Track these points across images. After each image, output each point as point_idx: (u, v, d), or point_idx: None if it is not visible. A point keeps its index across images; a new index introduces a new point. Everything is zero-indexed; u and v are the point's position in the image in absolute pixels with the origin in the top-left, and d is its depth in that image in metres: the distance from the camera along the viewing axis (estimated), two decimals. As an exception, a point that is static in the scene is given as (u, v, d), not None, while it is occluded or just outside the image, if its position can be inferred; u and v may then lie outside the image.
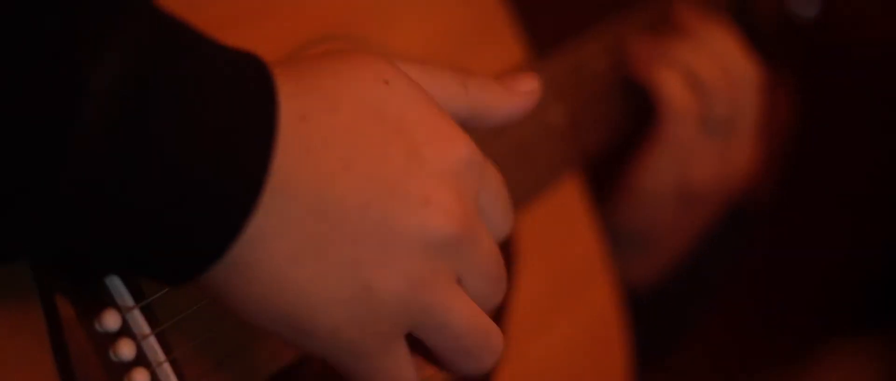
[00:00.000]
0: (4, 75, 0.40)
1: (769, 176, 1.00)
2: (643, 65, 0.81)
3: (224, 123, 0.43)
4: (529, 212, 0.73)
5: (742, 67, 0.82)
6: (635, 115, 0.82)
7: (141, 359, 0.48)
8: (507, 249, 0.72)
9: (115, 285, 0.48)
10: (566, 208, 0.78)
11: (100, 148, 0.41)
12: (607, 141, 0.79)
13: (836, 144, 2.06)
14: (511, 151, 0.70)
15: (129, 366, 0.48)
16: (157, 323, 0.49)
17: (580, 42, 0.78)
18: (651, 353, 0.88)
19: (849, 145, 2.07)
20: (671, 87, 0.80)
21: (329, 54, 0.49)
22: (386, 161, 0.47)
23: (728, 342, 1.98)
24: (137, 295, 0.48)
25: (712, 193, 0.83)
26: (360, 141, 0.46)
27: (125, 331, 0.48)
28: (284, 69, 0.46)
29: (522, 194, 0.71)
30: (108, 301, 0.48)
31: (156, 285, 0.49)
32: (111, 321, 0.47)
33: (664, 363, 0.98)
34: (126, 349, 0.47)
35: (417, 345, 0.50)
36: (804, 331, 2.13)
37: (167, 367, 0.49)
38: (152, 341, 0.48)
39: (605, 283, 0.80)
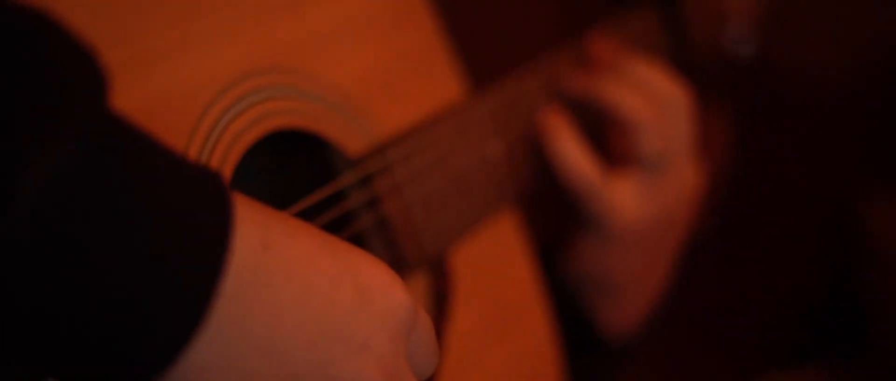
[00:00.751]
0: None
1: (710, 205, 1.01)
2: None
3: (169, 246, 0.41)
4: (467, 244, 0.73)
5: (668, 91, 0.80)
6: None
7: None
8: (445, 284, 0.73)
9: None
10: (503, 241, 0.78)
11: (26, 246, 0.37)
12: (544, 175, 0.80)
13: (775, 178, 2.09)
14: (450, 183, 0.71)
15: None
16: None
17: (516, 77, 0.79)
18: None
19: (788, 181, 2.10)
20: (559, 145, 0.78)
21: None
22: (336, 299, 0.46)
23: (670, 374, 2.00)
24: None
25: (656, 230, 0.82)
26: (316, 275, 0.46)
27: None
28: (241, 195, 0.45)
29: (461, 225, 0.72)
30: None
31: None
32: None
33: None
34: None
35: None
36: (744, 363, 2.15)
37: None
38: None
39: (540, 315, 0.80)
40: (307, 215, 0.62)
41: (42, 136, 0.38)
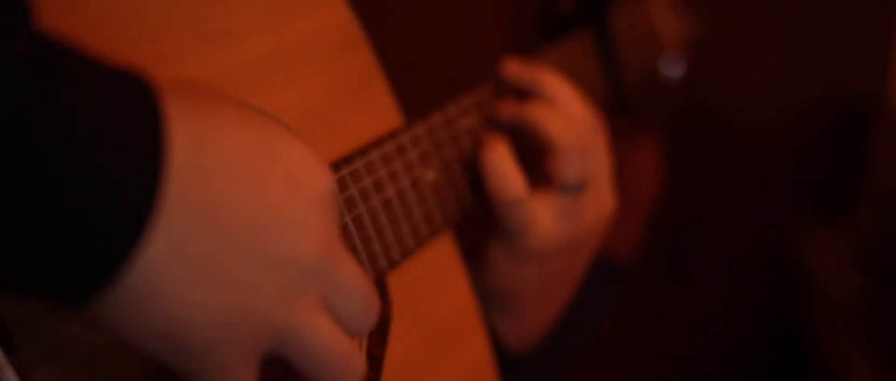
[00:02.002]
0: None
1: (640, 234, 1.04)
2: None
3: (109, 149, 0.44)
4: (405, 267, 0.75)
5: (586, 116, 0.83)
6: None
7: None
8: (383, 305, 0.74)
9: None
10: (440, 264, 0.80)
11: None
12: (478, 200, 0.82)
13: (716, 210, 2.12)
14: (387, 208, 0.72)
15: None
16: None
17: (454, 104, 0.81)
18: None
19: (728, 213, 2.14)
20: (492, 160, 0.80)
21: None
22: (268, 184, 0.50)
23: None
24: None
25: (567, 250, 0.84)
26: (248, 164, 0.49)
27: None
28: (170, 88, 0.47)
29: (399, 250, 0.73)
30: None
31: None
32: None
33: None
34: None
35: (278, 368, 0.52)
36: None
37: None
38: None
39: (479, 338, 0.82)
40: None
41: None
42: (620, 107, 0.96)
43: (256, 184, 0.49)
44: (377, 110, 0.76)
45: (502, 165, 0.80)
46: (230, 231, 0.48)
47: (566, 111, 0.82)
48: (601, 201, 0.84)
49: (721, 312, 2.19)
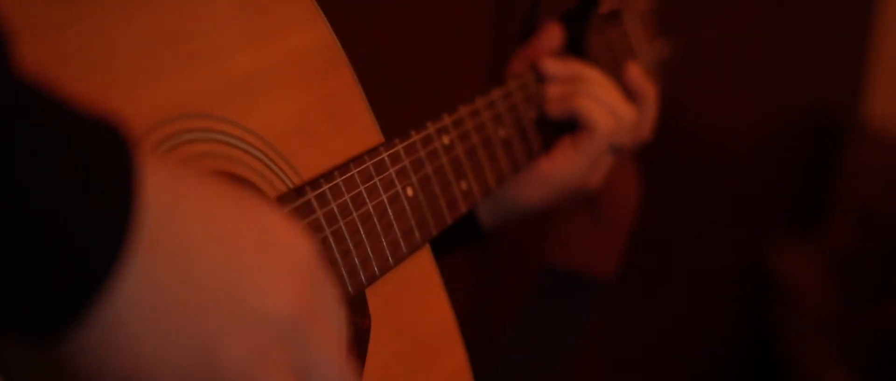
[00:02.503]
0: None
1: (620, 252, 1.05)
2: (561, 101, 0.95)
3: (82, 187, 0.43)
4: (384, 281, 0.76)
5: (650, 92, 0.99)
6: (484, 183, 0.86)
7: None
8: (365, 321, 0.75)
9: None
10: (419, 278, 0.81)
11: None
12: (458, 212, 0.83)
13: (693, 223, 2.14)
14: (368, 222, 0.74)
15: None
16: None
17: (433, 122, 0.82)
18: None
19: (704, 226, 2.16)
20: (595, 111, 0.94)
21: None
22: (245, 239, 0.49)
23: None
24: None
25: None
26: (224, 217, 0.48)
27: None
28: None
29: (379, 264, 0.75)
30: None
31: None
32: None
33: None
34: None
35: None
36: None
37: None
38: None
39: (457, 351, 0.83)
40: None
41: None
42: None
43: (232, 236, 0.48)
44: (357, 129, 0.77)
45: (595, 107, 0.95)
46: (202, 279, 0.47)
47: (606, 98, 0.96)
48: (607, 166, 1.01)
49: (696, 323, 2.21)
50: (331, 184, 0.71)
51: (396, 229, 0.76)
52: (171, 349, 0.46)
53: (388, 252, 0.75)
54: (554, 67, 0.95)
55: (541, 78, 0.95)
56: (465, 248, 0.95)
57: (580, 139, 0.94)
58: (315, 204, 0.70)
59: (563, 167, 0.95)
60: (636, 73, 1.00)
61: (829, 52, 2.22)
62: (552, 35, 0.97)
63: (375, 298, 0.76)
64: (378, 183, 0.75)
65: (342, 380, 0.52)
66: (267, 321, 0.49)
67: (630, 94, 0.99)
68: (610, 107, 0.95)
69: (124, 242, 0.44)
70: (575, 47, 0.96)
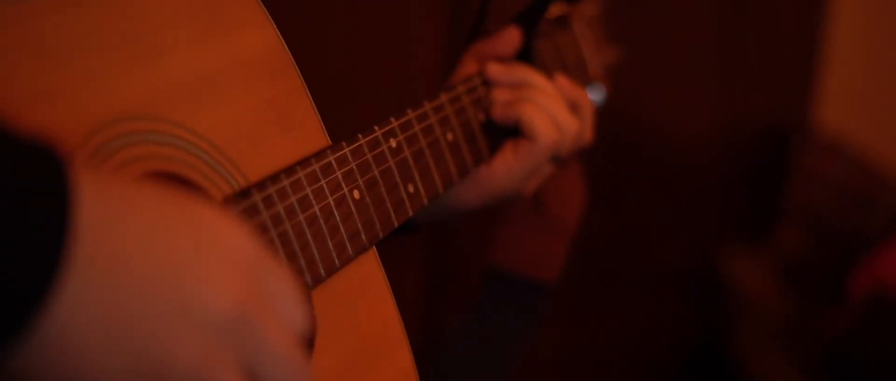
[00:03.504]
0: None
1: (565, 255, 1.06)
2: (506, 107, 0.94)
3: (17, 201, 0.44)
4: (330, 283, 0.77)
5: (585, 100, 0.98)
6: (430, 185, 0.87)
7: None
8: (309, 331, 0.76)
9: None
10: (365, 280, 0.81)
11: None
12: (405, 215, 0.84)
13: (648, 231, 2.16)
14: (313, 223, 0.74)
15: None
16: None
17: (379, 125, 0.83)
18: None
19: (659, 233, 2.18)
20: (538, 121, 0.93)
21: None
22: (181, 240, 0.49)
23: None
24: None
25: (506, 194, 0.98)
26: (159, 219, 0.49)
27: None
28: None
29: (325, 266, 0.75)
30: None
31: None
32: None
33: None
34: None
35: None
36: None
37: None
38: None
39: (403, 352, 0.84)
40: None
41: None
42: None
43: (169, 240, 0.49)
44: (304, 131, 0.78)
45: (538, 116, 0.94)
46: (141, 286, 0.47)
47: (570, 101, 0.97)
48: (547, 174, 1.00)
49: (647, 328, 2.23)
50: (277, 186, 0.71)
51: (343, 232, 0.77)
52: (117, 357, 0.47)
53: (334, 255, 0.76)
54: (498, 72, 0.95)
55: (488, 82, 0.96)
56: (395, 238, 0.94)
57: (521, 147, 0.94)
58: (261, 206, 0.70)
59: (501, 174, 0.94)
60: (566, 82, 0.98)
61: (781, 60, 2.25)
62: (510, 38, 0.97)
63: (321, 299, 0.76)
64: (324, 186, 0.75)
65: (291, 371, 0.53)
66: (209, 319, 0.49)
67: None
68: (553, 116, 0.94)
69: (61, 260, 0.45)
70: (523, 52, 0.97)
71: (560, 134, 0.94)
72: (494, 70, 0.95)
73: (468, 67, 0.98)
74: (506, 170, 0.94)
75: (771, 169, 2.27)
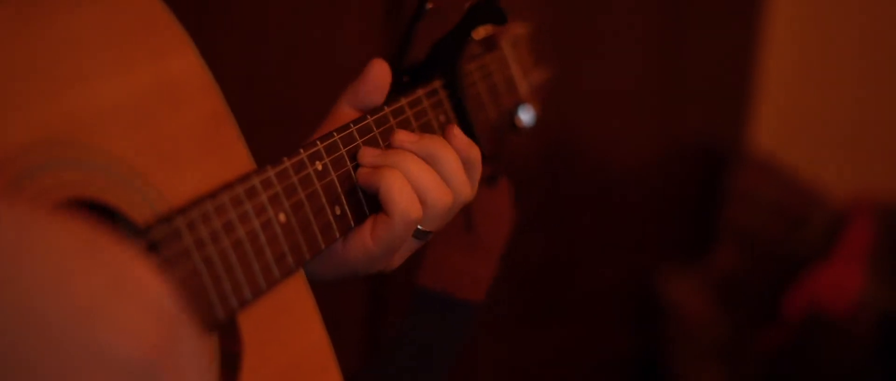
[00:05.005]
0: None
1: (492, 274, 1.07)
2: (370, 172, 0.85)
3: None
4: (257, 306, 0.77)
5: (461, 184, 0.87)
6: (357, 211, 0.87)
7: None
8: (236, 345, 0.76)
9: None
10: (293, 303, 0.82)
11: None
12: (332, 237, 0.84)
13: (586, 253, 2.17)
14: (238, 248, 0.74)
15: None
16: None
17: (305, 147, 0.83)
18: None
19: (597, 255, 2.19)
20: (396, 195, 0.83)
21: None
22: (95, 279, 0.49)
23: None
24: None
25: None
26: (73, 256, 0.48)
27: None
28: None
29: (252, 289, 0.75)
30: None
31: None
32: None
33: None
34: None
35: None
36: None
37: None
38: None
39: (332, 375, 0.84)
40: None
41: None
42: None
43: (81, 282, 0.48)
44: (229, 154, 0.78)
45: (398, 186, 0.84)
46: (52, 329, 0.46)
47: (447, 177, 0.86)
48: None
49: (587, 347, 2.24)
50: (201, 211, 0.71)
51: (269, 255, 0.77)
52: None
53: (260, 278, 0.76)
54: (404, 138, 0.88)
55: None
56: None
57: (379, 224, 0.85)
58: (184, 231, 0.70)
59: (356, 252, 0.85)
60: (458, 134, 0.90)
61: (715, 84, 2.28)
62: (378, 74, 0.90)
63: (248, 322, 0.76)
64: (250, 209, 0.76)
65: None
66: (119, 364, 0.48)
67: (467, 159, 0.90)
68: (422, 189, 0.84)
69: None
70: (449, 76, 0.97)
71: (423, 208, 0.85)
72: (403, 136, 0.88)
73: (343, 112, 0.91)
74: (362, 249, 0.85)
75: (706, 190, 2.30)
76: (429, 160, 0.86)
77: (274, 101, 1.28)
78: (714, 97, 2.29)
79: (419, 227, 0.86)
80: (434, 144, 0.87)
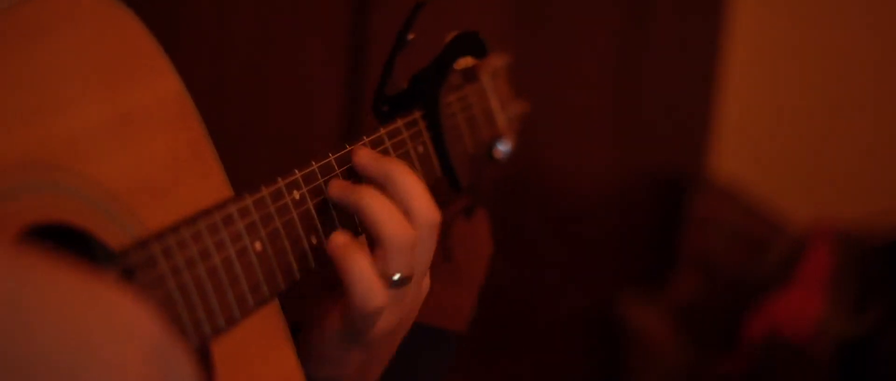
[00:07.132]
0: None
1: (473, 305, 1.07)
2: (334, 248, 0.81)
3: None
4: (230, 335, 0.76)
5: (425, 211, 0.83)
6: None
7: None
8: (208, 374, 0.75)
9: None
10: (266, 333, 0.81)
11: None
12: (304, 272, 0.83)
13: (539, 271, 2.18)
14: (214, 275, 0.73)
15: None
16: None
17: (283, 177, 0.82)
18: None
19: (559, 281, 2.20)
20: (353, 279, 0.79)
21: None
22: (90, 324, 0.48)
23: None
24: None
25: (390, 335, 0.86)
26: (67, 301, 0.48)
27: None
28: None
29: (226, 317, 0.74)
30: None
31: None
32: None
33: None
34: None
35: None
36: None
37: None
38: None
39: (305, 404, 0.84)
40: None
41: None
42: (453, 187, 0.98)
43: (76, 320, 0.47)
44: (206, 181, 0.77)
45: (368, 276, 0.79)
46: (40, 367, 0.46)
47: (407, 205, 0.82)
48: (422, 285, 0.86)
49: (549, 373, 2.24)
50: (177, 237, 0.71)
51: (244, 284, 0.76)
52: None
53: (234, 306, 0.75)
54: (368, 163, 0.85)
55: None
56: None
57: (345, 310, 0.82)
58: (160, 257, 0.69)
59: (330, 332, 0.84)
60: (366, 156, 0.85)
61: (676, 109, 2.31)
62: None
63: (220, 350, 0.75)
64: (226, 237, 0.75)
65: None
66: None
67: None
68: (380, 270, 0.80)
69: None
70: (429, 107, 0.97)
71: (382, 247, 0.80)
72: (364, 158, 0.85)
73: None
74: (334, 321, 0.83)
75: (666, 217, 2.32)
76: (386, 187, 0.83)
77: (249, 127, 1.27)
78: (674, 124, 2.31)
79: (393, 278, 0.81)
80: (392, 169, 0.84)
